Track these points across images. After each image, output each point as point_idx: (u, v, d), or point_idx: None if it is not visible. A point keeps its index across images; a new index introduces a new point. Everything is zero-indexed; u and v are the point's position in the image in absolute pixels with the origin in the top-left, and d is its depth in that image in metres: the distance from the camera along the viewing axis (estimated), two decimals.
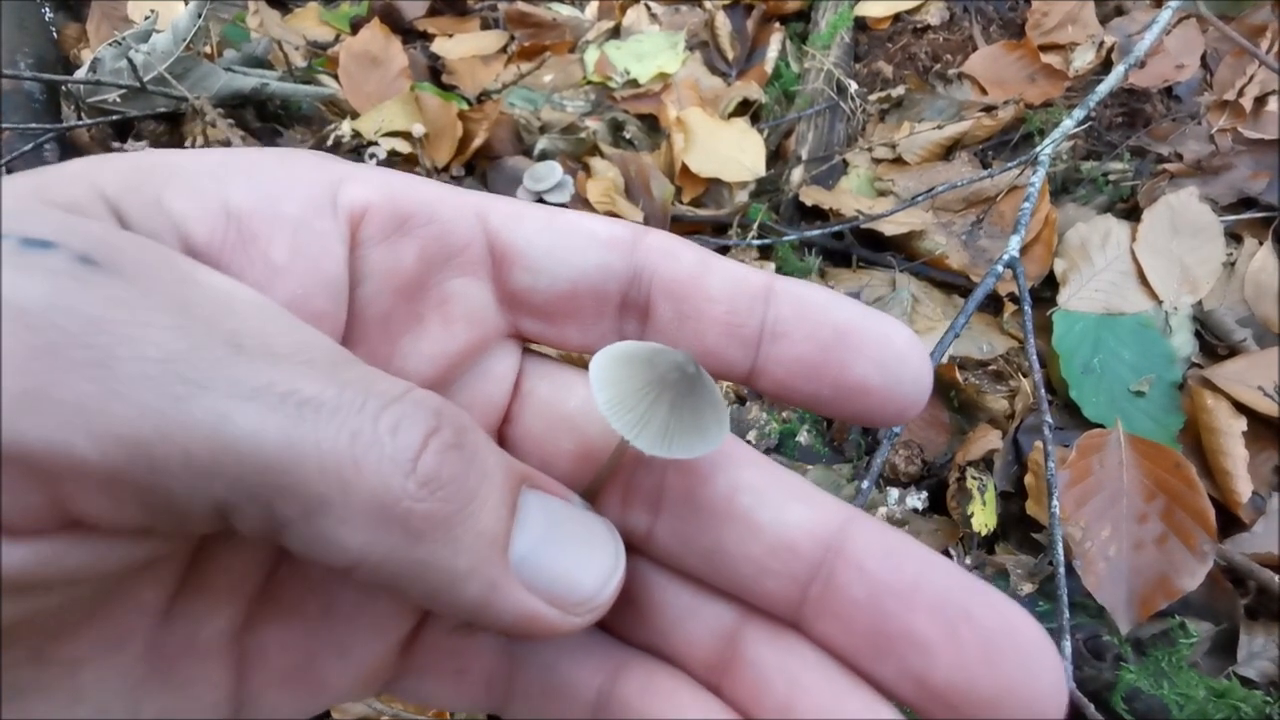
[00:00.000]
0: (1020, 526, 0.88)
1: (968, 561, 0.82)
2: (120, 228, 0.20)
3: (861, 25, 1.40)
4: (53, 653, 0.21)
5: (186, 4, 1.09)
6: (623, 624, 0.27)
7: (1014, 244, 0.82)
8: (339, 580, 0.26)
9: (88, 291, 0.16)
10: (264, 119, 1.20)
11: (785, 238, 1.06)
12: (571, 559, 0.22)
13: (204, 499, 0.17)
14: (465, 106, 1.25)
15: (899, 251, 1.11)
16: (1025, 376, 0.96)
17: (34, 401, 0.15)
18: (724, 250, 1.07)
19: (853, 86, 1.29)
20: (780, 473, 0.25)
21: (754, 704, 0.24)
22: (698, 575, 0.26)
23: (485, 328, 0.26)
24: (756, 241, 1.07)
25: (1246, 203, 1.10)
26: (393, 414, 0.18)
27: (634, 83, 1.37)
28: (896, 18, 1.38)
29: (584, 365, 0.26)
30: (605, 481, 0.26)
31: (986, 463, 0.91)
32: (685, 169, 1.18)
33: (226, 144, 1.04)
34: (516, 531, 0.21)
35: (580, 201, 1.14)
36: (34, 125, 1.05)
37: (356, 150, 1.14)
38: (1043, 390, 0.75)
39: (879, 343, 0.24)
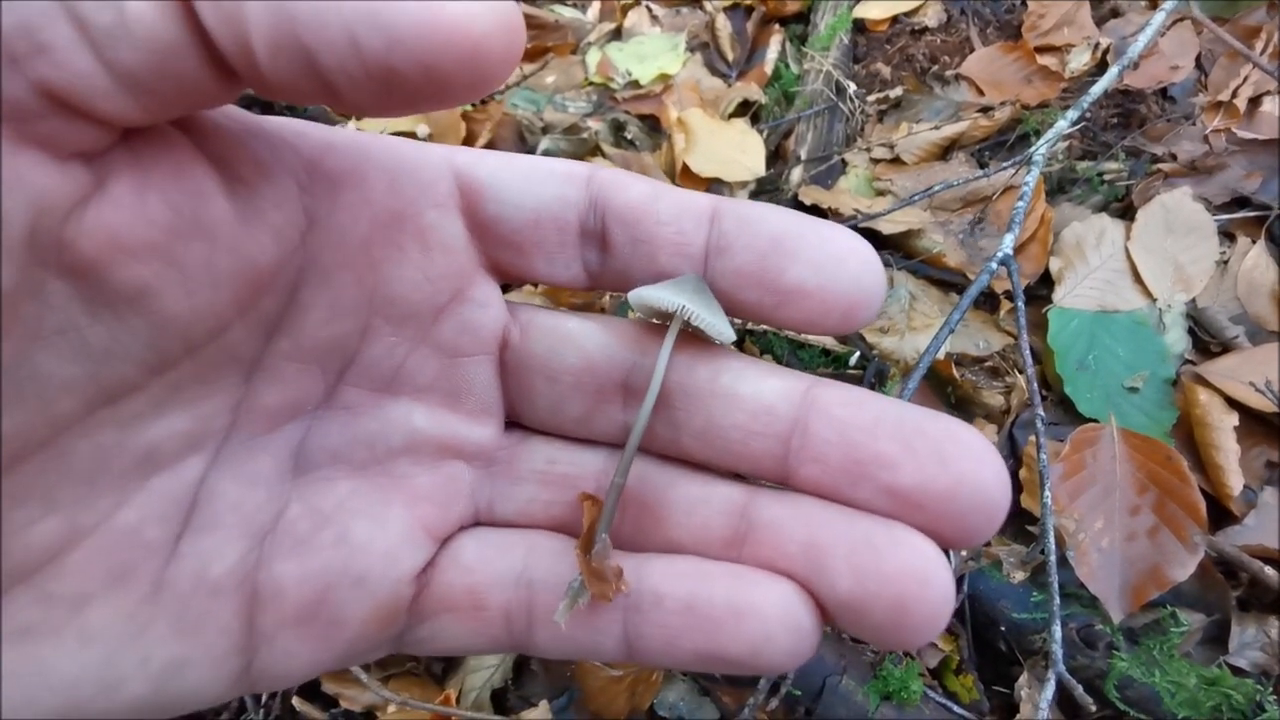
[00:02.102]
0: (1016, 519, 0.89)
1: (963, 552, 0.83)
2: None
3: (860, 27, 1.41)
4: (56, 587, 0.22)
5: None
6: (640, 530, 0.28)
7: (1008, 242, 0.83)
8: (350, 509, 0.27)
9: None
10: None
11: None
12: None
13: None
14: (469, 107, 1.27)
15: (897, 250, 1.13)
16: (1021, 373, 0.98)
17: None
18: None
19: (851, 87, 1.31)
20: (753, 359, 0.28)
21: (779, 554, 0.26)
22: (696, 457, 0.28)
23: (460, 257, 0.29)
24: None
25: (1240, 202, 1.11)
26: None
27: (635, 84, 1.39)
28: (895, 20, 1.40)
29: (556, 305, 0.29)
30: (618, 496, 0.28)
31: None
32: (686, 169, 1.20)
33: None
34: None
35: None
36: None
37: None
38: (1036, 385, 0.77)
39: (815, 246, 0.26)
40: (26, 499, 0.22)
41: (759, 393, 0.27)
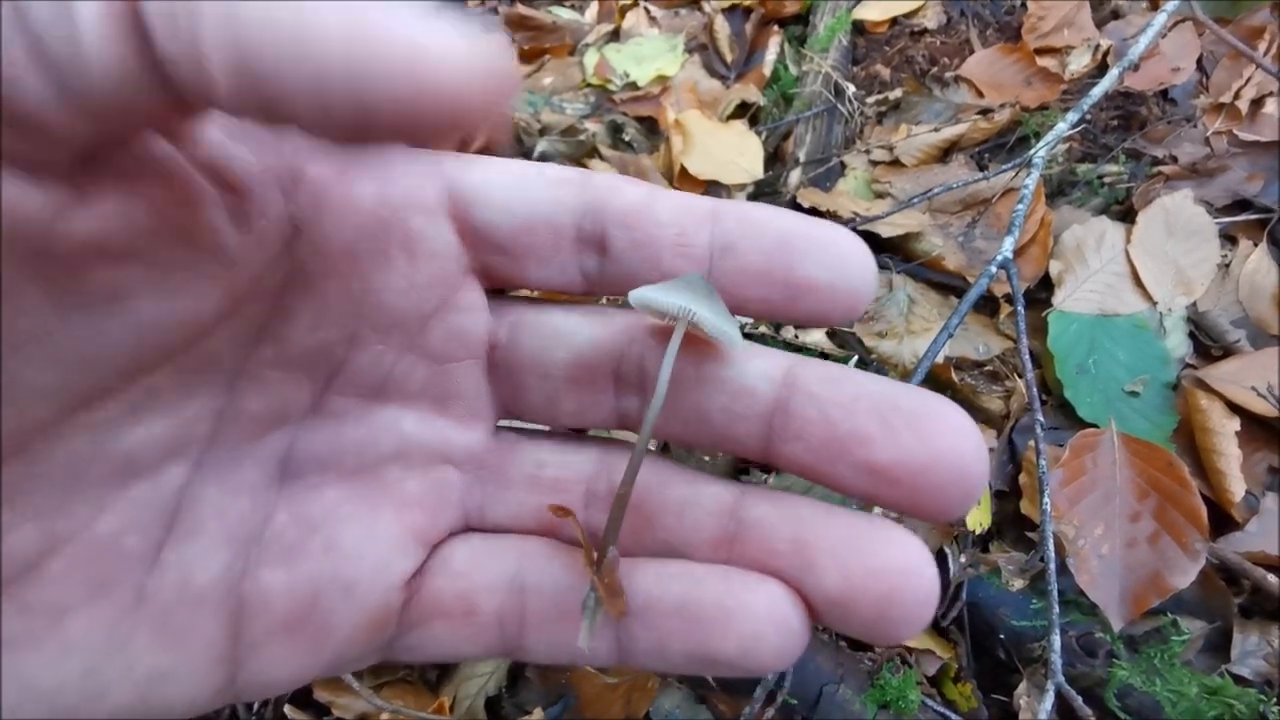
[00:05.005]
0: (1015, 525, 0.89)
1: (962, 560, 0.82)
2: None
3: (859, 29, 1.41)
4: (35, 597, 0.22)
5: None
6: (631, 532, 0.28)
7: (1008, 245, 0.82)
8: (339, 517, 0.27)
9: None
10: None
11: None
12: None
13: None
14: None
15: (896, 253, 1.12)
16: (1020, 377, 0.97)
17: None
18: None
19: (850, 89, 1.30)
20: None
21: (767, 552, 0.26)
22: (683, 441, 0.29)
23: (449, 263, 0.28)
24: None
25: (1241, 205, 1.10)
26: None
27: (633, 85, 1.38)
28: (894, 21, 1.39)
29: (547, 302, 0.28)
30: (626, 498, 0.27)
31: None
32: (684, 171, 1.19)
33: None
34: None
35: None
36: None
37: None
38: (1035, 390, 0.76)
39: (823, 244, 0.27)
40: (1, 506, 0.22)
41: (741, 374, 0.27)
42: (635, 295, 0.27)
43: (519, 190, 0.28)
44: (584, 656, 0.27)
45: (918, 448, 0.24)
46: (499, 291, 0.31)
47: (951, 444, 0.24)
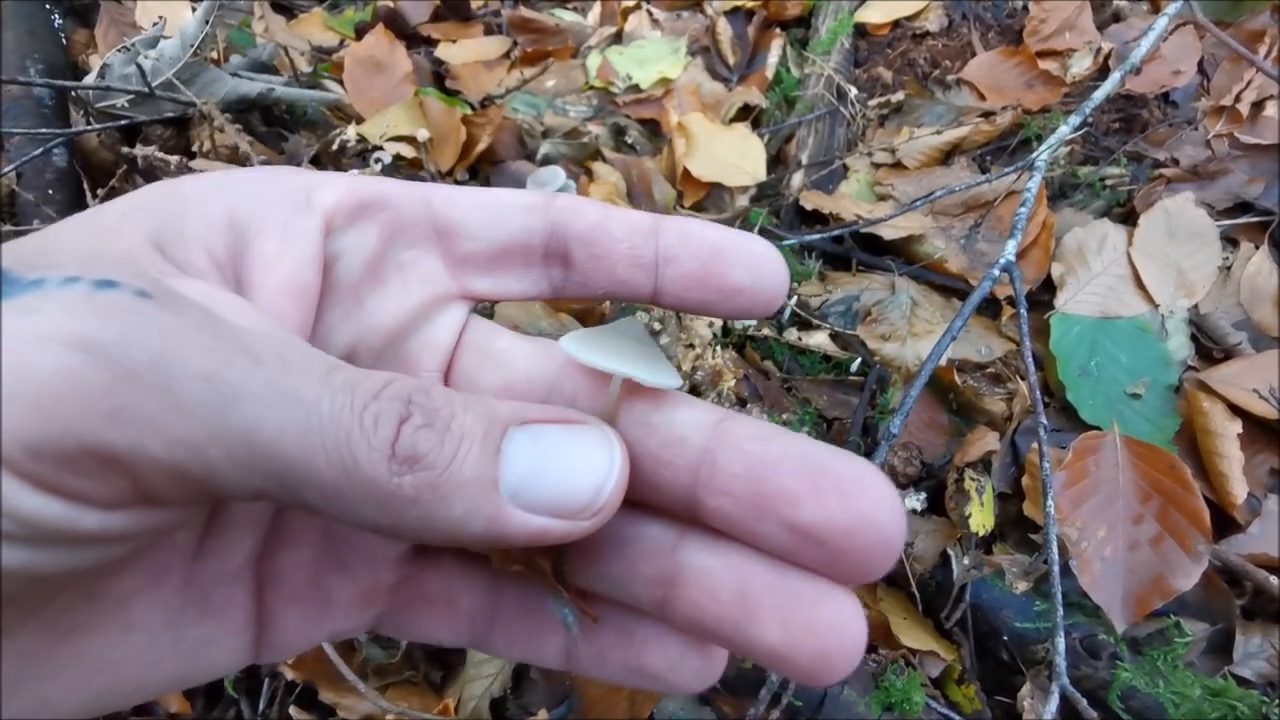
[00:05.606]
0: (1018, 527, 0.89)
1: (966, 562, 0.83)
2: (165, 261, 0.26)
3: (861, 31, 1.41)
4: (103, 589, 0.25)
5: (194, 10, 1.10)
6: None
7: (1010, 248, 0.83)
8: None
9: (148, 325, 0.21)
10: (269, 124, 1.21)
11: (785, 242, 1.07)
12: (562, 474, 0.25)
13: (247, 486, 0.22)
14: (469, 111, 1.27)
15: (898, 255, 1.12)
16: (1023, 379, 0.97)
17: (119, 415, 0.20)
18: None
19: (853, 92, 1.30)
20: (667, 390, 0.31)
21: (710, 599, 0.28)
22: None
23: (436, 288, 0.32)
24: None
25: (1243, 207, 1.11)
26: (372, 411, 0.23)
27: (636, 88, 1.39)
28: (896, 24, 1.40)
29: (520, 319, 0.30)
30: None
31: (984, 464, 0.92)
32: (687, 173, 1.19)
33: (233, 149, 1.05)
34: (504, 469, 0.24)
35: None
36: (43, 130, 1.06)
37: (361, 155, 1.15)
38: (1038, 393, 0.76)
39: (746, 255, 0.31)
40: None
41: (672, 422, 0.29)
42: (568, 350, 0.29)
43: (496, 220, 0.32)
44: (538, 659, 0.31)
45: (841, 510, 0.26)
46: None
47: (875, 510, 0.25)
